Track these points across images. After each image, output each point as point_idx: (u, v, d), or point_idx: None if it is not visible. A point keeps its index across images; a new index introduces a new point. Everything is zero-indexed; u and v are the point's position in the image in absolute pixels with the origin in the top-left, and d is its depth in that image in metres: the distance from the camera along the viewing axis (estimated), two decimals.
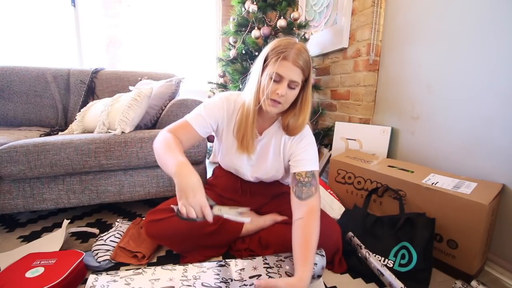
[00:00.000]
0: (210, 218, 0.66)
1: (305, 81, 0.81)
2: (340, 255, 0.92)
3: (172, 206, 0.76)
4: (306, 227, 0.78)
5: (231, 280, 0.79)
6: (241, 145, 0.87)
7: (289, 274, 0.81)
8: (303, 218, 0.78)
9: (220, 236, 0.94)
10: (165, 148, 0.75)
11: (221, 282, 0.78)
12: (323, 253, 0.81)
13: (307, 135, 0.89)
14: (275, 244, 0.92)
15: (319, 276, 0.81)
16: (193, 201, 0.64)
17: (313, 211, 0.80)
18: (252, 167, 0.95)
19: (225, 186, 1.05)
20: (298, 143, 0.88)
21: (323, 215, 0.97)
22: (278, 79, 0.76)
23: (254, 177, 0.97)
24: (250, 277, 0.81)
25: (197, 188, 0.65)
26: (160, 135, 0.81)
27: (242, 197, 1.04)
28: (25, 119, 1.63)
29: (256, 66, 0.81)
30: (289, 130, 0.86)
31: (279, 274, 0.81)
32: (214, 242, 0.95)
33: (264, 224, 0.98)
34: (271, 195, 1.06)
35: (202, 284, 0.76)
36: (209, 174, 1.36)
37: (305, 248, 0.74)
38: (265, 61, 0.79)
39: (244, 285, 0.78)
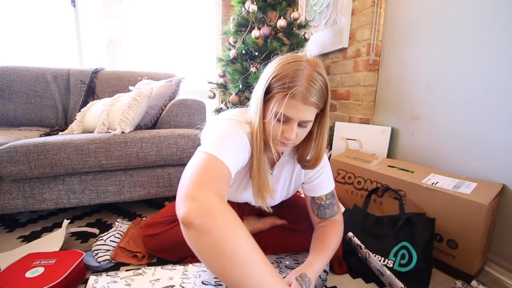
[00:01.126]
0: None
1: (322, 111, 0.65)
2: (340, 259, 0.91)
3: None
4: (328, 230, 0.77)
5: None
6: (259, 189, 0.69)
7: (290, 267, 0.81)
8: (326, 225, 0.78)
9: None
10: (245, 249, 0.46)
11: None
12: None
13: (324, 161, 0.79)
14: (273, 246, 0.92)
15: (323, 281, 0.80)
16: None
17: (337, 222, 0.79)
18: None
19: None
20: (314, 169, 0.77)
21: None
22: (286, 120, 0.61)
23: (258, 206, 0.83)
24: None
25: None
26: (212, 206, 0.47)
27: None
28: (25, 119, 1.63)
29: (257, 95, 0.65)
30: (306, 165, 0.74)
31: (279, 268, 0.81)
32: None
33: (263, 226, 0.98)
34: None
35: (203, 283, 0.76)
36: None
37: (321, 243, 0.73)
38: (267, 90, 0.62)
39: None
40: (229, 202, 0.85)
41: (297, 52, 0.68)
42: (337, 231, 0.77)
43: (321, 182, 0.80)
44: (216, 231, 0.45)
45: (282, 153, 0.77)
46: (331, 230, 0.77)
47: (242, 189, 0.79)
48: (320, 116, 0.66)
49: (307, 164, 0.73)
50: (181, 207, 0.47)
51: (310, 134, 0.69)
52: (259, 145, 0.64)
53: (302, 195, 1.13)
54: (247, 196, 0.80)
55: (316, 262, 0.69)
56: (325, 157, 0.78)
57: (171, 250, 0.90)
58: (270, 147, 0.67)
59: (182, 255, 0.93)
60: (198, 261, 0.91)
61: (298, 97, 0.58)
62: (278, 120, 0.61)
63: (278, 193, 0.83)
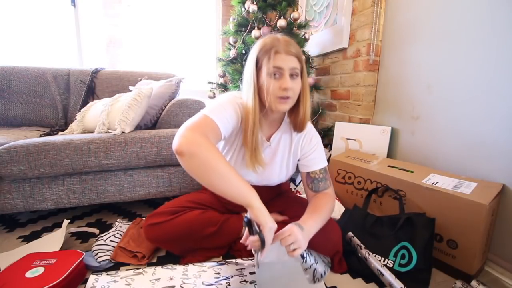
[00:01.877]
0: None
1: (301, 70, 0.78)
2: (340, 256, 0.92)
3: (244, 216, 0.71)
4: (320, 200, 0.85)
5: (231, 276, 0.79)
6: (251, 159, 0.80)
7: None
8: (319, 197, 0.86)
9: (220, 237, 0.94)
10: (223, 166, 0.63)
11: (221, 279, 0.78)
12: (329, 260, 0.79)
13: (314, 135, 0.91)
14: None
15: (321, 276, 0.79)
16: (267, 238, 0.65)
17: (328, 194, 0.88)
18: (258, 176, 0.90)
19: None
20: (309, 143, 0.89)
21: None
22: (279, 73, 0.73)
23: (257, 183, 0.94)
24: (251, 273, 0.81)
25: (273, 231, 0.67)
26: (197, 139, 0.63)
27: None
28: (25, 119, 1.63)
29: (248, 72, 0.77)
30: (298, 126, 0.84)
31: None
32: (214, 244, 0.94)
33: None
34: (272, 195, 1.06)
35: (203, 283, 0.76)
36: None
37: (314, 208, 0.81)
38: (257, 63, 0.76)
39: (245, 281, 0.78)
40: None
41: None
42: (329, 201, 0.85)
43: (315, 157, 0.89)
44: (201, 155, 0.62)
45: (282, 122, 0.88)
46: (323, 200, 0.85)
47: (239, 166, 0.87)
48: (301, 78, 0.78)
49: (300, 124, 0.84)
50: (175, 143, 0.63)
51: (297, 98, 0.80)
52: (255, 115, 0.76)
53: (303, 196, 1.14)
54: (245, 173, 0.88)
55: (310, 220, 0.76)
56: (318, 136, 0.92)
57: (173, 241, 0.91)
58: (269, 119, 0.84)
59: (182, 247, 0.93)
60: (198, 260, 0.91)
61: (280, 50, 0.73)
62: (273, 77, 0.74)
63: (277, 167, 0.90)
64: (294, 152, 0.90)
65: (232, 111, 0.76)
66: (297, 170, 0.97)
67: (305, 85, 0.80)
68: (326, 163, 0.91)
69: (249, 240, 0.68)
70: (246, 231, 0.70)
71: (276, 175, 0.92)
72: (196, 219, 0.90)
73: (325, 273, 0.75)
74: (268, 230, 0.65)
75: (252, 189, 0.67)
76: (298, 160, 0.92)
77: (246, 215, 0.70)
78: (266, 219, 0.65)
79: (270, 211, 1.03)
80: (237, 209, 1.02)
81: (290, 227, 0.69)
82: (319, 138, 0.92)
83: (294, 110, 0.83)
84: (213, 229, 0.91)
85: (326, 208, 0.82)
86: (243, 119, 0.79)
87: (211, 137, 0.68)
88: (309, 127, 0.90)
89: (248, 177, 0.90)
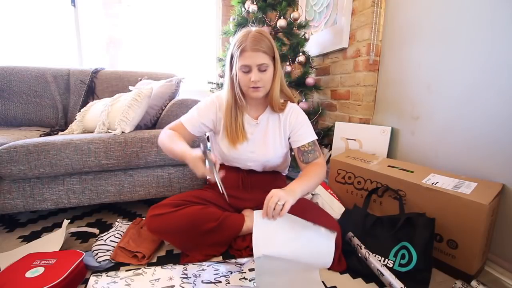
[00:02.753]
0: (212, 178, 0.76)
1: (273, 60, 0.89)
2: (340, 252, 0.92)
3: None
4: (310, 168, 0.93)
5: (231, 273, 0.79)
6: (230, 137, 0.96)
7: None
8: (308, 166, 0.95)
9: (221, 233, 0.95)
10: (169, 140, 0.89)
11: (221, 276, 0.78)
12: (333, 235, 0.78)
13: (300, 113, 1.01)
14: None
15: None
16: (199, 174, 0.76)
17: (318, 163, 0.95)
18: (253, 154, 1.00)
19: (226, 184, 1.06)
20: (296, 119, 0.99)
21: (322, 212, 1.00)
22: (247, 69, 0.86)
23: (258, 164, 1.04)
24: (250, 270, 0.81)
25: (196, 166, 0.76)
26: (163, 133, 0.95)
27: (244, 193, 1.06)
28: (25, 119, 1.63)
29: (226, 66, 0.92)
30: (272, 107, 0.96)
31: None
32: (214, 240, 0.95)
33: None
34: (271, 187, 1.07)
35: (202, 282, 0.76)
36: None
37: (303, 175, 0.90)
38: (231, 58, 0.89)
39: (245, 278, 0.78)
40: (235, 191, 1.05)
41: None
42: (317, 168, 0.93)
43: (303, 133, 0.98)
44: (162, 140, 0.93)
45: (267, 105, 0.99)
46: (312, 168, 0.93)
47: (227, 147, 1.00)
48: (274, 65, 0.90)
49: (275, 104, 0.95)
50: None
51: (272, 81, 0.91)
52: (229, 103, 0.93)
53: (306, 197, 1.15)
54: (235, 154, 1.00)
55: (293, 183, 0.84)
56: (304, 114, 1.02)
57: (174, 233, 0.92)
58: (253, 104, 0.98)
59: (183, 241, 0.94)
60: (198, 260, 0.91)
61: (247, 47, 0.83)
62: (243, 72, 0.86)
63: (271, 144, 1.00)
64: (284, 130, 1.01)
65: (204, 112, 0.97)
66: (297, 170, 0.99)
67: (276, 71, 0.90)
68: (315, 137, 1.00)
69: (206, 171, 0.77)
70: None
71: (272, 151, 1.01)
72: (198, 213, 0.93)
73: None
74: (192, 157, 0.78)
75: (191, 150, 0.81)
76: (289, 138, 1.02)
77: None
78: (192, 154, 0.78)
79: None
80: (240, 207, 1.05)
81: (270, 193, 0.76)
82: (305, 116, 1.02)
83: (268, 94, 0.94)
84: (213, 225, 0.92)
85: (313, 173, 0.90)
86: (220, 108, 0.97)
87: (179, 132, 0.94)
88: (294, 106, 1.01)
89: (249, 163, 1.03)
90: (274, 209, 0.72)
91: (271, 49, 0.87)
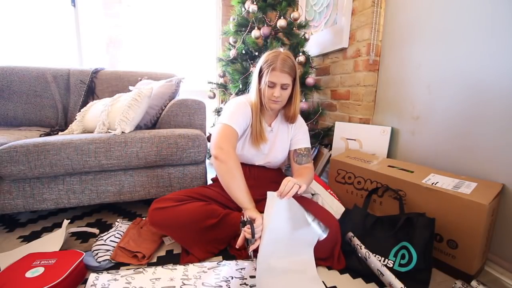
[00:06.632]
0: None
1: (294, 80, 1.03)
2: (339, 249, 0.93)
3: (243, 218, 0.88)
4: (301, 171, 1.07)
5: (232, 278, 0.79)
6: (255, 137, 1.07)
7: None
8: (300, 168, 1.09)
9: (221, 230, 0.96)
10: (231, 177, 0.90)
11: (221, 281, 0.78)
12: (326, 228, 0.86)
13: (303, 123, 1.18)
14: None
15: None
16: (242, 236, 0.83)
17: (309, 167, 1.10)
18: (264, 156, 1.13)
19: None
20: (299, 128, 1.16)
21: (322, 209, 1.01)
22: (272, 85, 0.99)
23: (265, 162, 1.14)
24: (251, 277, 0.81)
25: (260, 228, 0.83)
26: (229, 151, 0.93)
27: (250, 180, 1.05)
28: (25, 119, 1.63)
29: (254, 78, 1.05)
30: (289, 119, 1.11)
31: None
32: (214, 236, 0.96)
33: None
34: (272, 182, 1.11)
35: (203, 284, 0.76)
36: (209, 173, 1.36)
37: (301, 176, 1.02)
38: (260, 72, 1.02)
39: (245, 284, 0.78)
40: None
41: (278, 48, 1.08)
42: (310, 172, 1.07)
43: (302, 138, 1.14)
44: (229, 164, 0.90)
45: (278, 114, 1.15)
46: (305, 171, 1.07)
47: (247, 146, 1.10)
48: (294, 84, 1.04)
49: (291, 118, 1.10)
50: (213, 151, 0.93)
51: (290, 98, 1.06)
52: (257, 108, 1.04)
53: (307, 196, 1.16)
54: (251, 152, 1.11)
55: (301, 180, 0.91)
56: (306, 126, 1.18)
57: (175, 227, 0.93)
58: (268, 112, 1.10)
59: (183, 236, 0.95)
60: (197, 260, 0.91)
61: (276, 68, 0.96)
62: (269, 87, 0.99)
63: (279, 146, 1.13)
64: (289, 135, 1.16)
65: (242, 113, 1.03)
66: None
67: (296, 90, 1.05)
68: (309, 145, 1.16)
69: (244, 231, 0.82)
70: (242, 234, 0.83)
71: (279, 152, 1.14)
72: (199, 209, 0.95)
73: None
74: (258, 224, 0.82)
75: (252, 201, 0.89)
76: (291, 140, 1.15)
77: (242, 217, 0.87)
78: (258, 216, 0.84)
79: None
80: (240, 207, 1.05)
81: (285, 179, 0.85)
82: (306, 127, 1.19)
83: (286, 108, 1.10)
84: (214, 221, 0.95)
85: (307, 175, 1.04)
86: (252, 112, 1.06)
87: (235, 142, 0.98)
88: (300, 118, 1.18)
89: (258, 158, 1.13)
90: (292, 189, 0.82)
91: (294, 70, 1.00)
